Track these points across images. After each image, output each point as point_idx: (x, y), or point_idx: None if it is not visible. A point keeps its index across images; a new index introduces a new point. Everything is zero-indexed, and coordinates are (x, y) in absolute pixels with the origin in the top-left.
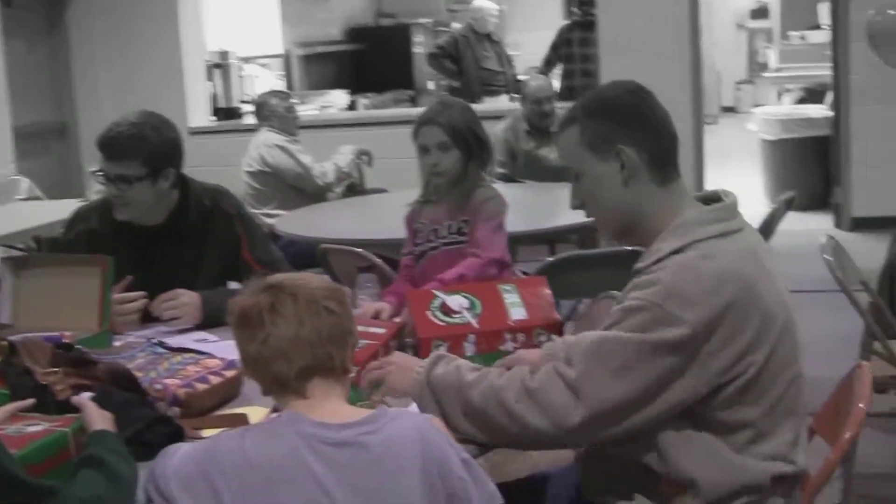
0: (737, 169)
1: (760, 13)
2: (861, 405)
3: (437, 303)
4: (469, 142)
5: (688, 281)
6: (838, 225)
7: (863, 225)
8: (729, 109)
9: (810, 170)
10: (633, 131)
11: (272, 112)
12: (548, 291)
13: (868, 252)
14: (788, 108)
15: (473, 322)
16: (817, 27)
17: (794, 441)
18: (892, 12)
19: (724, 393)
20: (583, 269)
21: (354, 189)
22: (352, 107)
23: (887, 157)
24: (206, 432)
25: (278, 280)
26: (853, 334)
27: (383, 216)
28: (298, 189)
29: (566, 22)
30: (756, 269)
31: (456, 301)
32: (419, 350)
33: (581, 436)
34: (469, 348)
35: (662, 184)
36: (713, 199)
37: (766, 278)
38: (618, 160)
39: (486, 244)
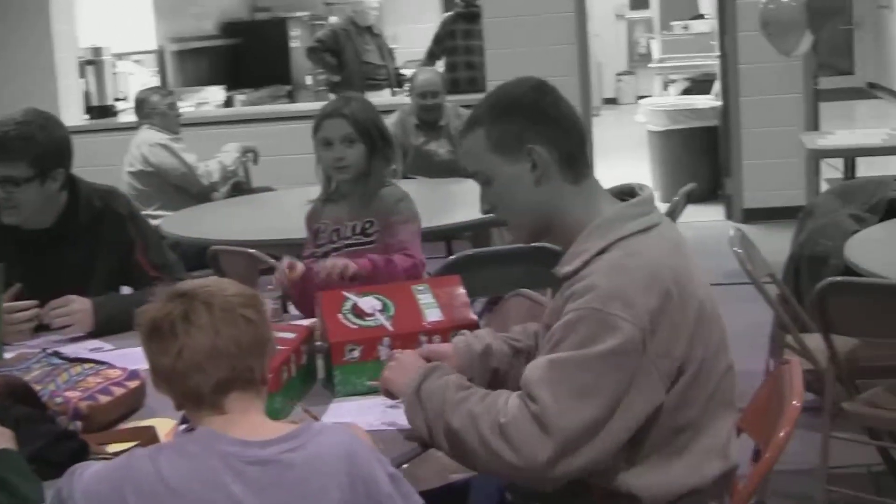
0: (621, 161)
1: (640, 3)
2: (795, 402)
3: (348, 305)
4: (373, 136)
5: (622, 281)
6: (729, 216)
7: (754, 216)
8: (610, 101)
9: (699, 161)
10: (542, 129)
11: (153, 109)
12: (462, 291)
13: (761, 243)
14: (675, 98)
15: (387, 324)
16: (700, 17)
17: (728, 434)
18: (785, 0)
19: (673, 392)
20: (484, 266)
21: (241, 188)
22: (228, 103)
23: (777, 148)
24: (112, 447)
25: (190, 287)
26: (760, 327)
27: (274, 215)
28: (182, 189)
29: (449, 13)
30: (681, 260)
31: (368, 303)
32: (332, 355)
33: (552, 470)
34: (384, 352)
35: (575, 181)
36: (627, 192)
37: (691, 269)
38: (528, 160)
39: (413, 247)
